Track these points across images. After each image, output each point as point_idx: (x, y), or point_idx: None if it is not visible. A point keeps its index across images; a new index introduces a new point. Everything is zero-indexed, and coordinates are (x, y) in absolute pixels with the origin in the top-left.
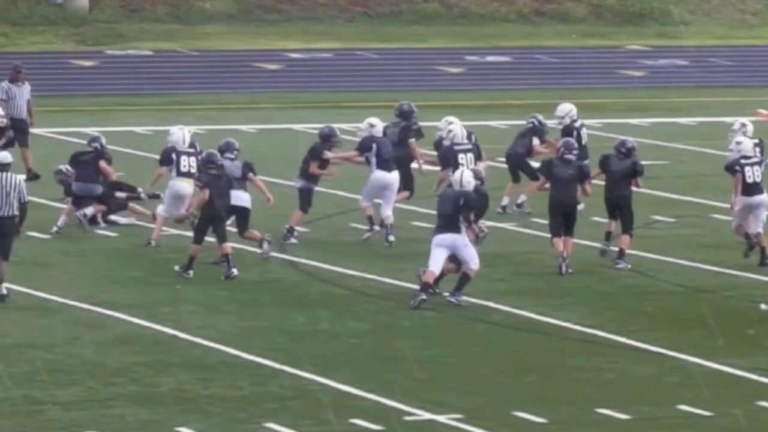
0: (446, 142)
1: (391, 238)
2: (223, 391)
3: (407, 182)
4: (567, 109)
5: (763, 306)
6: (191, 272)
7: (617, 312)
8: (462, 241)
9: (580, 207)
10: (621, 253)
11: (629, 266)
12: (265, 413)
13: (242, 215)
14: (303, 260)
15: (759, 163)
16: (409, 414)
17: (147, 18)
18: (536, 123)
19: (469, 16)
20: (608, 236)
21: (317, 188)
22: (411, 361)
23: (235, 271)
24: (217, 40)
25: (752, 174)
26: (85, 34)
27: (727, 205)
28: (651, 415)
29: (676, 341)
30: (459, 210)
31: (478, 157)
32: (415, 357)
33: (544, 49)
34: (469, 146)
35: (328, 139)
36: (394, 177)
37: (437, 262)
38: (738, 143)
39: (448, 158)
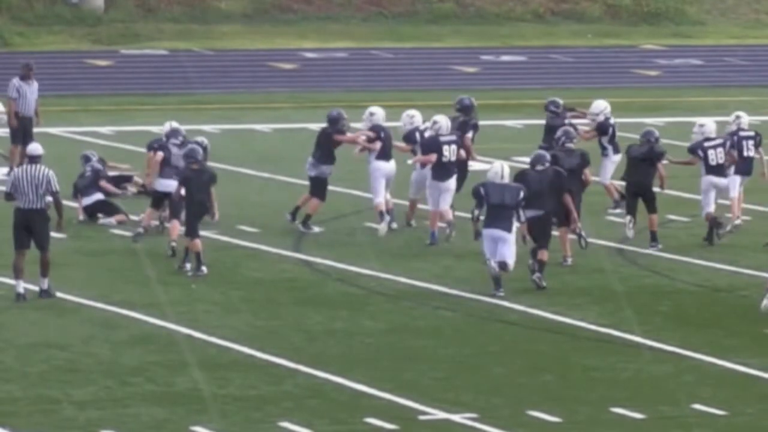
0: (430, 133)
1: (394, 225)
2: (239, 390)
3: (461, 178)
4: (602, 106)
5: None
6: (204, 268)
7: (633, 311)
8: (510, 238)
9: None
10: (653, 235)
11: (661, 246)
12: (280, 412)
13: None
14: (318, 260)
15: (723, 145)
16: (425, 413)
17: (162, 18)
18: (556, 113)
19: (485, 15)
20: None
21: (333, 189)
22: (426, 361)
23: (188, 265)
24: (232, 40)
25: (716, 157)
26: (101, 34)
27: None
28: (666, 415)
29: (692, 341)
30: (519, 203)
31: (459, 147)
32: (430, 356)
33: (560, 49)
34: (453, 138)
35: (336, 121)
36: (393, 166)
37: (492, 251)
38: (701, 125)
39: (432, 147)
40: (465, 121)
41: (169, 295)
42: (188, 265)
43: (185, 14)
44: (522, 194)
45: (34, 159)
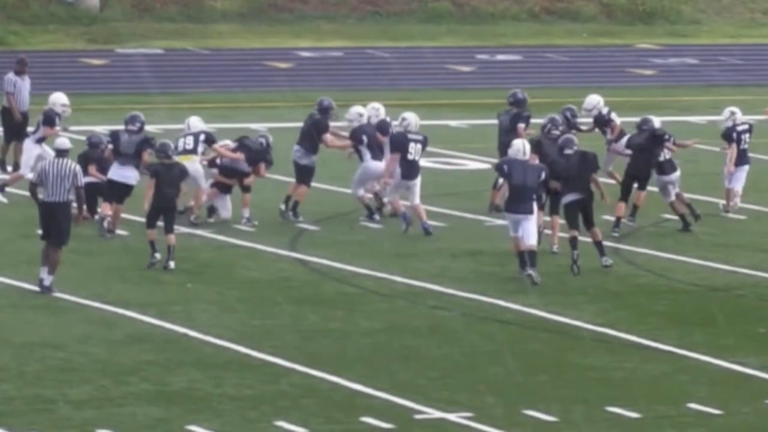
0: (398, 129)
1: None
2: (234, 389)
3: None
4: (594, 101)
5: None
6: (158, 255)
7: (628, 311)
8: (531, 218)
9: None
10: (635, 210)
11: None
12: (276, 412)
13: (123, 192)
14: (314, 259)
15: (669, 140)
16: (420, 412)
17: (158, 17)
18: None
19: (480, 14)
20: (618, 222)
21: (329, 188)
22: (422, 360)
23: (172, 264)
24: (228, 39)
25: (664, 154)
26: (96, 33)
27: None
28: (662, 414)
29: (688, 340)
30: (541, 184)
31: (424, 146)
32: (426, 356)
33: (555, 48)
34: (420, 137)
35: (327, 111)
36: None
37: (517, 227)
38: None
39: (401, 143)
40: (518, 113)
41: (165, 294)
42: (172, 264)
43: (181, 13)
44: (543, 175)
45: (61, 153)
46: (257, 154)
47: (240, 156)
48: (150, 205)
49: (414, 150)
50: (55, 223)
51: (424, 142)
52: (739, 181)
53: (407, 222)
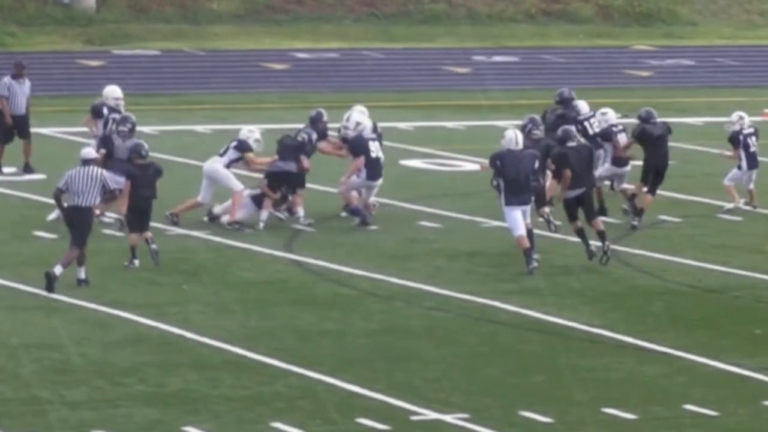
0: (352, 133)
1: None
2: (231, 391)
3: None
4: (586, 108)
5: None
6: (136, 261)
7: (624, 312)
8: (528, 208)
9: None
10: (640, 212)
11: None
12: (272, 413)
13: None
14: (310, 260)
15: (626, 131)
16: (416, 414)
17: (154, 18)
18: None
19: (476, 16)
20: (641, 212)
21: (325, 189)
22: (418, 361)
23: (154, 246)
24: (224, 40)
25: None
26: (93, 34)
27: (732, 205)
28: (658, 415)
29: (684, 341)
30: (535, 173)
31: (381, 143)
32: (422, 357)
33: (551, 49)
34: (374, 136)
35: (315, 122)
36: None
37: (520, 224)
38: (603, 113)
39: (362, 145)
40: (562, 114)
41: (162, 296)
42: (154, 245)
43: (177, 15)
44: (537, 163)
45: (87, 162)
46: (297, 149)
47: (274, 158)
48: (128, 207)
49: (375, 147)
50: (77, 226)
51: (380, 138)
52: (751, 180)
53: (363, 218)
